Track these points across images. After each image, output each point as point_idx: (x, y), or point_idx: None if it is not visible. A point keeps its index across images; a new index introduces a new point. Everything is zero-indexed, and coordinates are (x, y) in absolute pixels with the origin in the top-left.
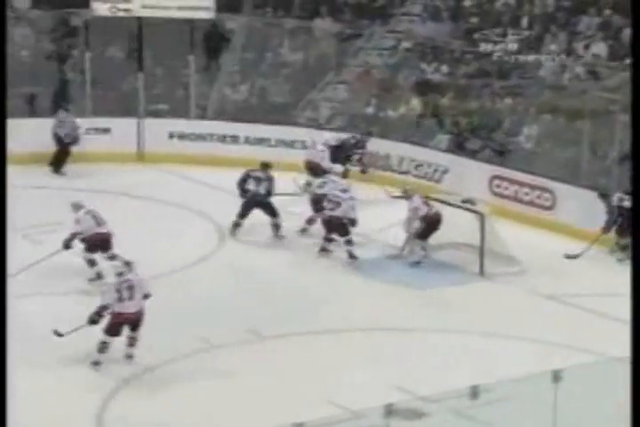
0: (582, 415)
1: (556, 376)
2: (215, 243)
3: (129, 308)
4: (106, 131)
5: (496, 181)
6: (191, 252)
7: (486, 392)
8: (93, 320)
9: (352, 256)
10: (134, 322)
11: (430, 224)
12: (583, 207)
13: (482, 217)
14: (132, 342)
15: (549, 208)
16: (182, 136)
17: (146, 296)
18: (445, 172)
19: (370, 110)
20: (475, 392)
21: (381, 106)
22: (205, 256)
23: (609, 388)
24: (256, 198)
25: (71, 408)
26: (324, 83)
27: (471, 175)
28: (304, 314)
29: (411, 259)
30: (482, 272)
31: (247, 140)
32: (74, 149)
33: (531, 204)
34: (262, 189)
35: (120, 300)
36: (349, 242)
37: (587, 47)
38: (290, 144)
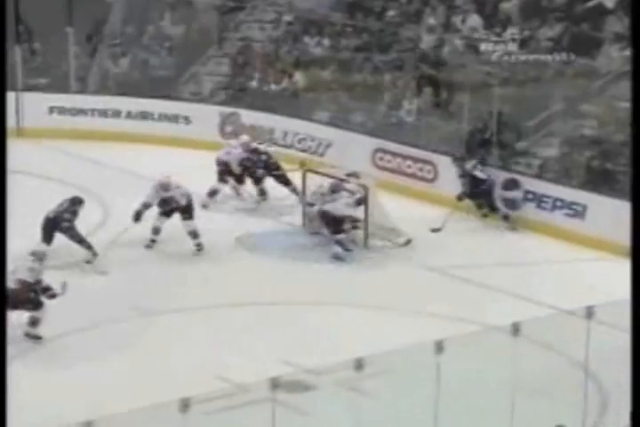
0: (465, 385)
1: (439, 347)
2: (98, 219)
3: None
4: None
5: (379, 155)
6: None
7: (371, 364)
8: None
9: None
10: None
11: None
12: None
13: (366, 190)
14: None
15: (431, 180)
16: (62, 111)
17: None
18: (329, 145)
19: (253, 84)
20: (360, 364)
21: (264, 80)
22: (87, 234)
23: (491, 357)
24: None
25: None
26: (206, 56)
27: (354, 148)
28: (190, 290)
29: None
30: (366, 245)
31: (129, 115)
32: None
33: (413, 176)
34: None
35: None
36: None
37: (463, 21)
38: (173, 118)
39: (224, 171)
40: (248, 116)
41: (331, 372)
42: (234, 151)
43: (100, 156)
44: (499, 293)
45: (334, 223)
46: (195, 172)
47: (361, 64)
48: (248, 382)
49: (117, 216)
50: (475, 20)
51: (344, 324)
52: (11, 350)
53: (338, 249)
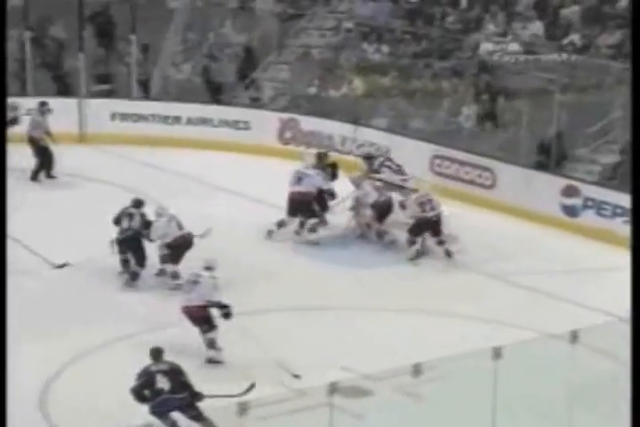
0: (522, 392)
1: (497, 353)
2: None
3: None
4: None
5: (437, 161)
6: None
7: (429, 370)
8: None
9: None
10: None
11: (382, 211)
12: (523, 186)
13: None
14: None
15: (490, 187)
16: (124, 117)
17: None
18: (387, 151)
19: (312, 90)
20: (417, 370)
21: (323, 86)
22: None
23: (548, 365)
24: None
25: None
26: (266, 63)
27: (412, 155)
28: (243, 292)
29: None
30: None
31: (190, 121)
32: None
33: (471, 183)
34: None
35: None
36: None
37: (524, 27)
38: (233, 124)
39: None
40: (307, 123)
41: (388, 377)
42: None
43: (161, 161)
44: (557, 300)
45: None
46: (254, 177)
47: (420, 71)
48: (306, 387)
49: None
50: (536, 26)
51: (402, 329)
52: None
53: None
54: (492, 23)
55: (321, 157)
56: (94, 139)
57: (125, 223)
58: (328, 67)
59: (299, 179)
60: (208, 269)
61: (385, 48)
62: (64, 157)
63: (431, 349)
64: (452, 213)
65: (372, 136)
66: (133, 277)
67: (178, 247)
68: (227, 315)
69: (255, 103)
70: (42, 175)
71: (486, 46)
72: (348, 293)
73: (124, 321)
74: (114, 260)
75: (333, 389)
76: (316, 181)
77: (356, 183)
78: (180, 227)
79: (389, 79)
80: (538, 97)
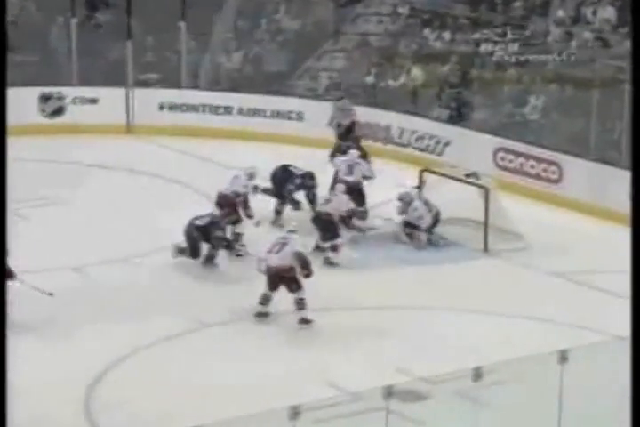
0: (589, 397)
1: (563, 357)
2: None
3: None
4: (93, 101)
5: (500, 154)
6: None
7: (490, 373)
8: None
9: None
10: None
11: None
12: (591, 181)
13: (486, 191)
14: (298, 305)
15: (556, 182)
16: (173, 107)
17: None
18: (447, 144)
19: (369, 80)
20: (478, 373)
21: (381, 75)
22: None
23: (616, 369)
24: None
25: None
26: (321, 51)
27: (475, 148)
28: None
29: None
30: (486, 249)
31: (241, 111)
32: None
33: (537, 177)
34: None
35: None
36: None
37: (595, 13)
38: (286, 115)
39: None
40: (364, 113)
41: (447, 381)
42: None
43: (211, 154)
44: (625, 300)
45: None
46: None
47: (483, 59)
48: (360, 390)
49: None
50: (608, 11)
51: (462, 330)
52: None
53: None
54: (560, 8)
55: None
56: (142, 130)
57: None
58: (386, 55)
59: (350, 167)
60: (292, 231)
61: (446, 35)
62: (111, 148)
63: (493, 351)
64: (516, 210)
65: (431, 128)
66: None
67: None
68: (307, 275)
69: (310, 93)
70: None
71: (554, 33)
72: (406, 291)
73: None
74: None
75: (390, 392)
76: (364, 169)
77: (406, 202)
78: None
79: (450, 68)
80: (608, 87)
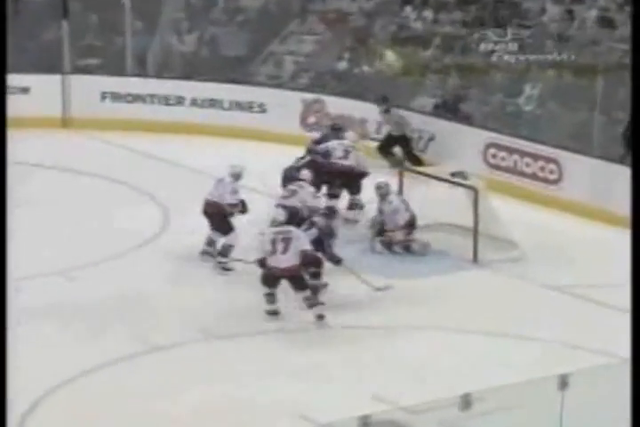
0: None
1: (563, 382)
2: (158, 226)
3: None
4: (24, 90)
5: (492, 150)
6: (128, 236)
7: (480, 402)
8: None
9: None
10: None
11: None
12: (595, 181)
13: (475, 193)
14: (307, 302)
15: (555, 182)
16: (117, 97)
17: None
18: (431, 139)
19: (342, 66)
20: (466, 401)
21: (355, 61)
22: (147, 241)
23: (622, 394)
24: None
25: None
26: (286, 32)
27: (462, 143)
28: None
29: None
30: (475, 259)
31: (194, 102)
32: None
33: (533, 177)
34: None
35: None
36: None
37: None
38: (246, 106)
39: None
40: (335, 104)
41: (431, 410)
42: None
43: (161, 151)
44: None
45: None
46: (272, 170)
47: (471, 42)
48: (334, 421)
49: (177, 222)
50: None
51: (447, 352)
52: None
53: None
54: None
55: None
56: (80, 123)
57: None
58: (361, 37)
59: (346, 152)
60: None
61: (428, 14)
62: (45, 144)
63: (483, 376)
64: (509, 214)
65: (412, 120)
66: None
67: None
68: (316, 275)
69: (273, 81)
70: None
71: (552, 12)
72: (382, 308)
73: None
74: None
75: (366, 423)
76: (361, 160)
77: (382, 192)
78: None
79: (433, 52)
80: (614, 73)
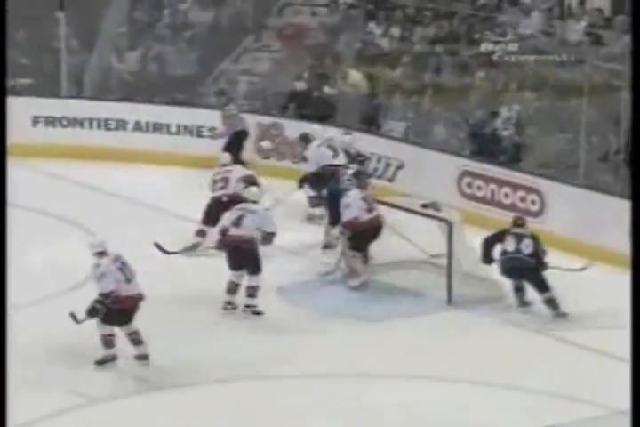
0: None
1: None
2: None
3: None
4: None
5: (467, 179)
6: (66, 279)
7: None
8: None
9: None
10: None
11: (366, 231)
12: (580, 213)
13: (449, 226)
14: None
15: (537, 214)
16: (51, 121)
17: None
18: (401, 167)
19: (300, 86)
20: None
21: (315, 81)
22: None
23: None
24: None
25: None
26: (240, 50)
27: (434, 171)
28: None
29: (352, 282)
30: (450, 299)
31: (138, 126)
32: None
33: (512, 208)
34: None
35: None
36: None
37: (582, 2)
38: (196, 131)
39: None
40: (294, 129)
41: None
42: None
43: (101, 181)
44: (625, 364)
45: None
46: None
47: (443, 60)
48: None
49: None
50: (601, 1)
51: (422, 403)
52: None
53: None
54: None
55: None
56: (10, 150)
57: None
58: (322, 55)
59: (335, 151)
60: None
61: (396, 31)
62: None
63: None
64: None
65: (380, 147)
66: None
67: None
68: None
69: (225, 104)
70: None
71: (531, 25)
72: (349, 353)
73: None
74: None
75: None
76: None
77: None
78: None
79: (401, 72)
80: (600, 94)
